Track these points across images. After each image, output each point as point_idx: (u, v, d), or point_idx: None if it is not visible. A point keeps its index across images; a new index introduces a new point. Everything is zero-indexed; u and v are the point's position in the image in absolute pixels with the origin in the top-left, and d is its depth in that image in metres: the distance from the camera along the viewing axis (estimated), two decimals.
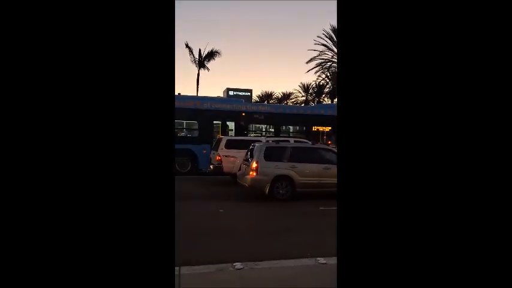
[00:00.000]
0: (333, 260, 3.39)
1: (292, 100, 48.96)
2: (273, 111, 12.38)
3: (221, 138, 9.88)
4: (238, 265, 3.17)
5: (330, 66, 36.63)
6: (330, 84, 41.65)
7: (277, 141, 8.06)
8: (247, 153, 7.63)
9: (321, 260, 3.41)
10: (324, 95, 45.83)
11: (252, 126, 13.11)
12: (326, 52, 34.87)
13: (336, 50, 34.29)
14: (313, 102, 48.26)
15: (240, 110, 11.80)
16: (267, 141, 8.30)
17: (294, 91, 50.49)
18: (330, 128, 12.58)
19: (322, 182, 7.10)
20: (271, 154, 7.09)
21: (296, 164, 7.02)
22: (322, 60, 35.78)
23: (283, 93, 50.36)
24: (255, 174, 6.91)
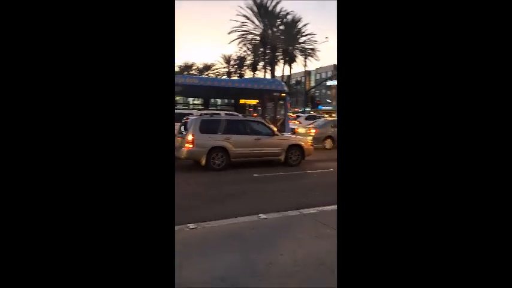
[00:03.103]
0: (272, 215, 4.07)
1: (214, 71, 48.50)
2: (201, 84, 12.45)
3: None
4: (191, 225, 3.61)
5: (252, 38, 37.06)
6: (251, 56, 42.25)
7: (211, 115, 8.40)
8: (180, 127, 7.79)
9: (263, 215, 4.06)
10: (245, 67, 46.44)
11: (181, 99, 13.02)
12: (247, 23, 35.06)
13: (256, 21, 34.71)
14: (235, 74, 48.59)
15: None
16: (201, 114, 8.56)
17: (215, 62, 49.91)
18: (257, 101, 13.26)
19: (254, 151, 7.84)
20: (206, 127, 7.42)
21: (230, 136, 7.51)
22: (244, 32, 35.96)
23: (205, 65, 49.43)
24: (191, 146, 7.20)
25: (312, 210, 4.32)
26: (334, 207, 4.59)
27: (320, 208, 4.45)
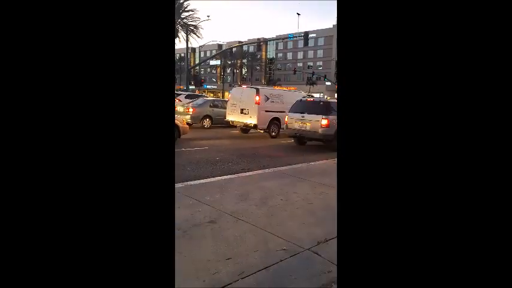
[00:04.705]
0: None
1: None
2: None
3: None
4: None
5: None
6: None
7: None
8: None
9: None
10: None
11: None
12: None
13: None
14: None
15: None
16: None
17: None
18: None
19: None
20: None
21: None
22: None
23: None
24: None
25: (180, 185, 4.62)
26: (201, 181, 5.02)
27: (187, 183, 4.79)
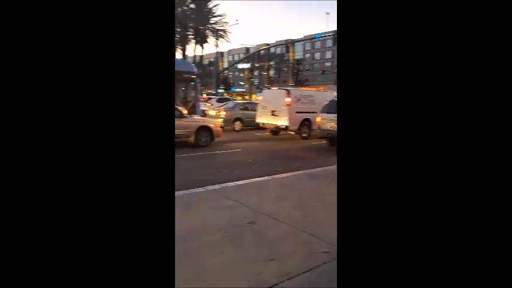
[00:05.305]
0: (178, 193, 4.34)
1: None
2: None
3: None
4: None
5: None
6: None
7: None
8: None
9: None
10: None
11: None
12: None
13: None
14: None
15: None
16: None
17: None
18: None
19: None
20: None
21: None
22: None
23: None
24: None
25: (217, 187, 4.72)
26: (237, 182, 5.09)
27: (224, 184, 4.88)
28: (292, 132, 11.92)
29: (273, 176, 5.57)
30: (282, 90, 12.31)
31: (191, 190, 4.53)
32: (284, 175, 5.72)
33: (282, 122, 11.65)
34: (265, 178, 5.42)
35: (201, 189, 4.57)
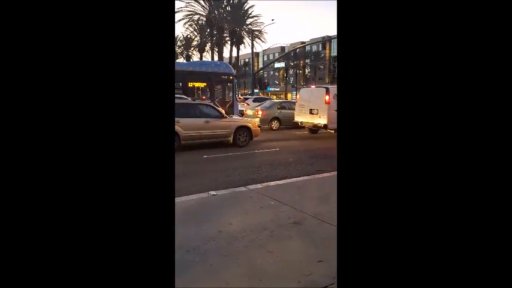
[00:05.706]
0: (222, 192, 4.42)
1: None
2: None
3: None
4: None
5: (198, 18, 36.06)
6: (198, 37, 41.19)
7: None
8: None
9: (213, 192, 4.39)
10: (192, 48, 45.24)
11: None
12: (192, 3, 33.99)
13: (202, 1, 33.78)
14: (182, 55, 47.10)
15: None
16: None
17: None
18: (205, 84, 13.29)
19: (204, 134, 8.07)
20: None
21: (179, 119, 7.62)
22: (189, 13, 34.84)
23: None
24: None
25: (259, 186, 4.74)
26: (279, 182, 5.08)
27: (265, 184, 4.89)
28: (332, 131, 11.67)
29: (314, 176, 5.49)
30: (321, 88, 12.09)
31: (235, 189, 4.59)
32: (325, 175, 5.61)
33: (321, 120, 11.45)
34: (306, 178, 5.36)
35: (243, 188, 4.61)
